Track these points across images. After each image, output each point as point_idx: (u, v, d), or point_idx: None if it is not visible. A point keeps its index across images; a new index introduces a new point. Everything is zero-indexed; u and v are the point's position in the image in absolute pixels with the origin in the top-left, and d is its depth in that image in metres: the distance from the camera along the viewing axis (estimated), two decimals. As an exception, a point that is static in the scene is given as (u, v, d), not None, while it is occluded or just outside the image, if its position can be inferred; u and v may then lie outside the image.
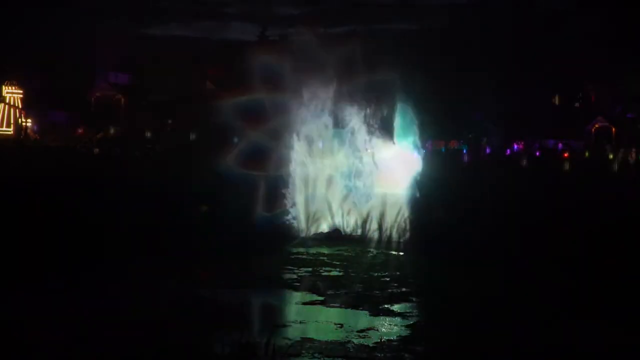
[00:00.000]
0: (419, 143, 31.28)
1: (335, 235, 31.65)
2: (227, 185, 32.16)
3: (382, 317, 19.84)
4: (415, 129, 31.19)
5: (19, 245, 27.16)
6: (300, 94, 30.94)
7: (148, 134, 71.92)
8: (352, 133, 30.89)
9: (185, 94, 74.39)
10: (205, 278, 26.41)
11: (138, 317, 19.13)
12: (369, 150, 31.04)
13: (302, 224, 31.59)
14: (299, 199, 31.25)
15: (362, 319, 19.78)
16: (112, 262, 26.00)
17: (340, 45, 30.20)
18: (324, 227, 31.90)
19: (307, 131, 31.24)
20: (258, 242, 29.36)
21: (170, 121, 73.59)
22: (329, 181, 31.48)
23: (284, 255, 28.42)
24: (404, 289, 23.38)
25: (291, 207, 31.00)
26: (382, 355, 16.13)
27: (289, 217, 31.11)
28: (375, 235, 31.49)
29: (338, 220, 31.44)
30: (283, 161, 30.93)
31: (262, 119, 30.92)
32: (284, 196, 31.08)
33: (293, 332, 17.73)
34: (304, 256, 28.51)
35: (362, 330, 18.19)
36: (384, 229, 31.12)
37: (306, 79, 30.77)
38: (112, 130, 72.93)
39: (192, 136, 70.00)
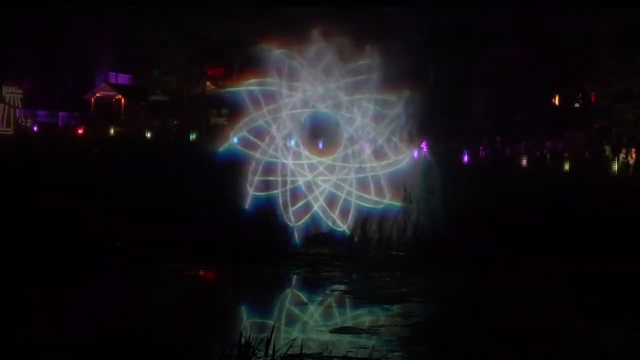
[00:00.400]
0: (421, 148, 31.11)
1: (334, 236, 31.44)
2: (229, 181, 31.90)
3: (381, 317, 19.85)
4: (417, 135, 31.09)
5: (21, 246, 27.18)
6: (302, 94, 30.83)
7: (148, 134, 71.82)
8: (355, 137, 30.70)
9: (185, 94, 74.25)
10: (206, 278, 26.44)
11: (140, 317, 19.14)
12: (368, 154, 30.75)
13: (303, 225, 31.37)
14: (299, 201, 31.05)
15: (362, 317, 19.80)
16: (117, 264, 26.04)
17: (347, 51, 30.01)
18: (324, 228, 31.68)
19: (309, 132, 31.13)
20: (259, 242, 29.28)
21: (175, 122, 73.45)
22: (330, 183, 31.27)
23: (284, 255, 28.40)
24: (403, 289, 23.40)
25: (289, 210, 30.74)
26: (381, 355, 16.12)
27: (290, 220, 30.74)
28: (375, 236, 31.32)
29: (338, 221, 31.15)
30: (285, 164, 30.65)
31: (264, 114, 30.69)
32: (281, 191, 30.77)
33: (293, 332, 17.74)
34: (304, 256, 28.49)
35: (361, 330, 18.19)
36: (383, 230, 30.94)
37: (307, 81, 30.67)
38: (112, 131, 72.79)
39: (193, 136, 69.93)
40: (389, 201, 29.86)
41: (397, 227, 30.50)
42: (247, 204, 29.82)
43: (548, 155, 61.27)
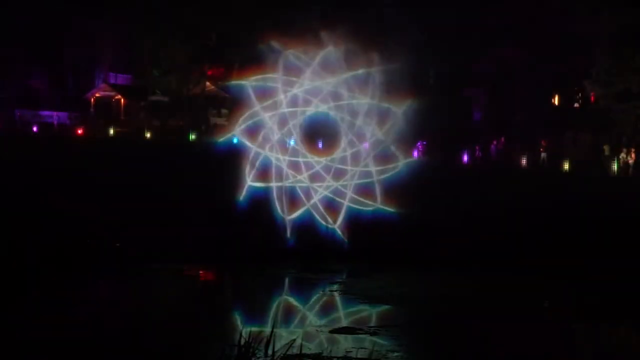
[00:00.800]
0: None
1: (334, 236, 31.28)
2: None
3: (381, 317, 19.85)
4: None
5: (21, 246, 27.19)
6: (301, 93, 30.72)
7: (148, 134, 71.89)
8: (354, 140, 30.52)
9: (185, 94, 74.39)
10: (206, 278, 26.45)
11: (140, 317, 19.17)
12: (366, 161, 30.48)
13: (301, 225, 31.13)
14: (297, 200, 30.87)
15: (362, 317, 19.80)
16: (117, 264, 26.06)
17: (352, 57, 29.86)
18: (323, 228, 31.47)
19: (308, 132, 31.01)
20: (258, 241, 29.21)
21: (181, 122, 73.57)
22: (328, 183, 31.07)
23: (283, 255, 28.36)
24: (404, 289, 23.41)
25: (287, 209, 30.52)
26: (381, 355, 16.11)
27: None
28: (374, 237, 31.11)
29: (329, 227, 30.76)
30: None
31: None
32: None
33: (292, 332, 17.74)
34: (303, 256, 28.42)
35: (361, 330, 18.19)
36: (382, 231, 30.70)
37: (306, 80, 30.57)
38: (112, 131, 72.85)
39: (193, 136, 70.03)
40: (381, 205, 29.71)
41: (396, 228, 30.36)
42: (246, 204, 29.75)
43: (543, 155, 61.35)
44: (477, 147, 61.89)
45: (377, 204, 29.82)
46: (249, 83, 29.98)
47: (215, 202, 32.63)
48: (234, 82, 31.84)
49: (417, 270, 27.14)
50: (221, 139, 31.15)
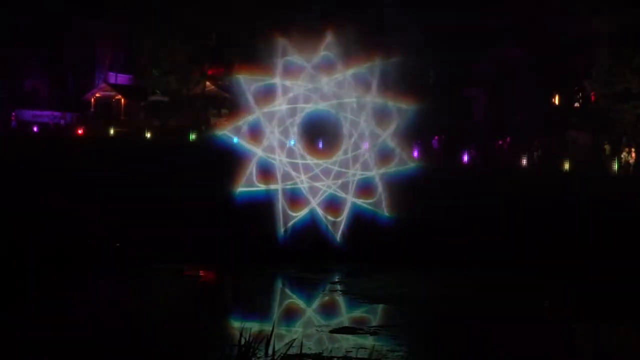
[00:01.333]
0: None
1: (333, 236, 31.28)
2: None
3: (381, 317, 19.86)
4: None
5: (21, 246, 27.20)
6: (301, 93, 30.71)
7: (148, 134, 71.84)
8: (356, 142, 30.49)
9: (185, 94, 74.40)
10: (206, 278, 26.47)
11: (140, 317, 19.17)
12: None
13: (302, 224, 31.15)
14: (297, 201, 30.86)
15: (362, 317, 19.82)
16: (117, 264, 26.08)
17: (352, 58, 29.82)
18: (323, 228, 31.44)
19: (308, 132, 30.98)
20: (258, 241, 29.22)
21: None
22: (328, 186, 31.03)
23: (283, 255, 28.37)
24: (404, 289, 23.40)
25: (287, 209, 30.49)
26: (381, 355, 16.10)
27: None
28: (373, 237, 31.08)
29: (329, 227, 30.69)
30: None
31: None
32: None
33: (292, 332, 17.74)
34: (303, 256, 28.44)
35: (361, 330, 18.20)
36: (381, 231, 30.68)
37: (306, 79, 30.54)
38: (112, 131, 72.80)
39: (193, 136, 70.04)
40: (377, 209, 29.68)
41: (396, 229, 30.33)
42: (246, 204, 29.75)
43: (536, 154, 61.32)
44: (472, 147, 61.85)
45: (374, 206, 29.80)
46: (248, 81, 29.95)
47: (215, 202, 32.61)
48: (234, 77, 31.72)
49: (417, 270, 27.14)
50: (219, 133, 31.13)
